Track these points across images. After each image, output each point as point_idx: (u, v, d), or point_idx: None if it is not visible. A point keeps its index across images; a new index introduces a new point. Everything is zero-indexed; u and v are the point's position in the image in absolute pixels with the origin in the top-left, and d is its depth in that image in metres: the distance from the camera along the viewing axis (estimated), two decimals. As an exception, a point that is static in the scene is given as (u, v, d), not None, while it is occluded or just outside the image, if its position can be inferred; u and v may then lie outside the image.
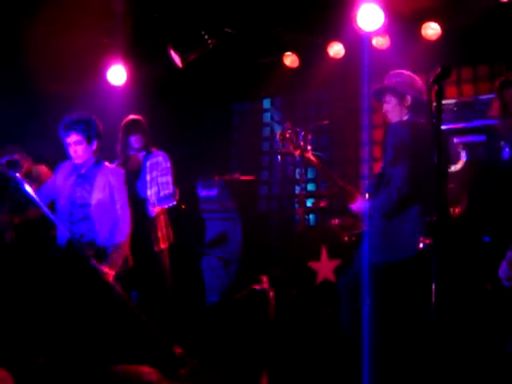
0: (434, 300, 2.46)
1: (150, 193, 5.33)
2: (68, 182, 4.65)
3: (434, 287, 2.46)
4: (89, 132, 4.55)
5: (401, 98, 4.30)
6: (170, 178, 5.51)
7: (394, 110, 4.33)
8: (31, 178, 5.68)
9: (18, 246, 5.54)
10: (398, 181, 3.92)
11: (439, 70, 2.86)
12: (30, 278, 5.37)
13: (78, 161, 4.59)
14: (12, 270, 5.40)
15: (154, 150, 5.58)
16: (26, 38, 5.65)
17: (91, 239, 4.51)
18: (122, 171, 4.81)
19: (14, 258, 5.49)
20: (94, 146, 4.61)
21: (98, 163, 4.66)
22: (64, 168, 4.74)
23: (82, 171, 4.64)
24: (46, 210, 4.48)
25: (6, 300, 5.23)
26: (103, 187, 4.57)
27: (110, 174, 4.63)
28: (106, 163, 4.74)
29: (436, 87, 2.84)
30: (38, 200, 4.46)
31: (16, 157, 4.80)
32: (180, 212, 5.27)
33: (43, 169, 5.73)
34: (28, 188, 4.44)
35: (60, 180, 4.71)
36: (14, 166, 4.68)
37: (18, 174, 4.51)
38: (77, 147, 4.54)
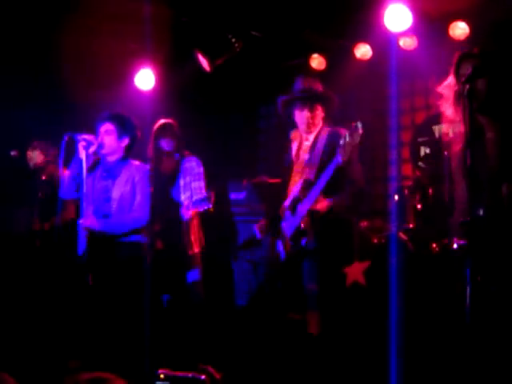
0: (468, 302, 2.44)
1: (184, 197, 5.34)
2: (94, 176, 4.68)
3: (468, 289, 2.44)
4: (122, 127, 4.61)
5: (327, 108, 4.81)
6: (202, 183, 5.53)
7: (318, 119, 4.72)
8: (54, 181, 5.72)
9: (46, 249, 5.57)
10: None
11: (471, 69, 2.83)
12: (57, 281, 5.40)
13: (104, 151, 4.61)
14: (41, 273, 5.44)
15: (187, 153, 5.60)
16: (56, 44, 5.73)
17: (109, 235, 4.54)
18: (147, 168, 4.77)
19: (43, 261, 5.52)
20: (124, 142, 4.65)
21: (124, 159, 4.68)
22: (91, 163, 4.73)
23: (108, 166, 4.66)
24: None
25: (35, 303, 5.28)
26: (125, 183, 4.59)
27: (135, 171, 4.65)
28: (133, 161, 4.76)
29: (468, 87, 2.82)
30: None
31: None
32: (210, 215, 5.27)
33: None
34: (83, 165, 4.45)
35: (87, 175, 4.67)
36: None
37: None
38: (106, 137, 4.59)
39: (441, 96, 3.03)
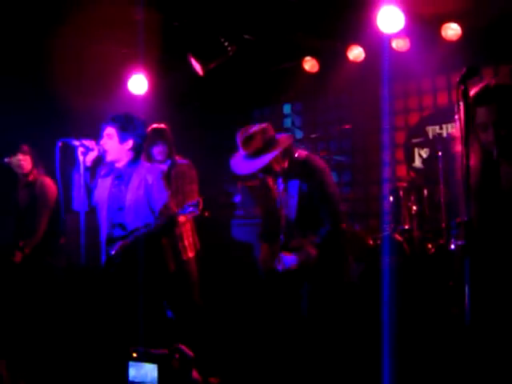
0: (467, 303, 2.43)
1: (176, 201, 5.28)
2: (105, 184, 4.43)
3: (467, 289, 2.44)
4: (124, 129, 4.32)
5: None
6: (195, 187, 5.49)
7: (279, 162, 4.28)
8: (35, 187, 5.68)
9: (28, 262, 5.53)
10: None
11: (465, 69, 2.82)
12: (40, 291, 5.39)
13: (108, 157, 4.36)
14: (23, 286, 5.41)
15: (178, 158, 5.57)
16: (48, 50, 5.71)
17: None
18: (159, 168, 4.59)
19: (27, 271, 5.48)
20: (129, 145, 4.34)
21: (133, 162, 4.40)
22: (103, 170, 4.51)
23: (119, 172, 4.40)
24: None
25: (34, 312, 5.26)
26: (137, 188, 4.32)
27: (147, 173, 4.36)
28: (144, 162, 4.51)
29: (462, 87, 2.81)
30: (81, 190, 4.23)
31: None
32: (205, 219, 5.25)
33: (48, 182, 5.68)
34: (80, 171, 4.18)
35: (99, 182, 4.48)
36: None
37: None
38: (107, 141, 4.32)
39: (455, 138, 3.02)
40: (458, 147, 2.86)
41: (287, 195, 4.31)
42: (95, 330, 4.20)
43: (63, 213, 4.78)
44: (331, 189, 4.30)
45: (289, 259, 4.24)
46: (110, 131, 4.34)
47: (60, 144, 4.12)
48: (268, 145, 4.21)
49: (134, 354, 3.56)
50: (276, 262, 4.31)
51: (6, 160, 5.71)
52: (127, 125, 4.33)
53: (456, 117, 3.00)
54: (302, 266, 4.21)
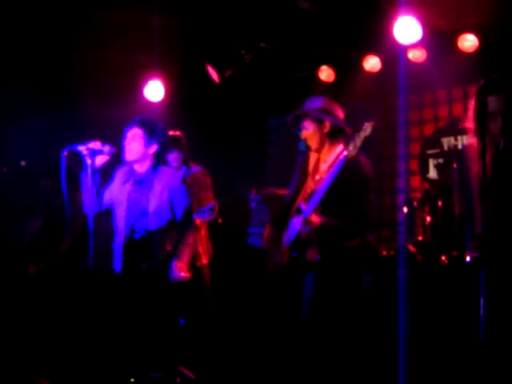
0: (482, 315, 2.41)
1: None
2: (125, 188, 4.42)
3: (482, 301, 2.42)
4: (151, 133, 4.34)
5: (319, 123, 4.32)
6: (210, 194, 5.50)
7: (313, 136, 4.33)
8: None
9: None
10: None
11: (484, 81, 2.83)
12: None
13: (129, 157, 4.36)
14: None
15: (193, 165, 5.59)
16: (66, 57, 5.76)
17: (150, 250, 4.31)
18: (179, 173, 4.66)
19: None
20: (153, 149, 4.37)
21: (155, 168, 4.41)
22: (121, 173, 4.51)
23: (139, 176, 4.41)
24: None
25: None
26: (161, 192, 4.34)
27: (169, 177, 4.41)
28: (164, 168, 4.52)
29: (480, 98, 2.81)
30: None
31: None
32: (218, 226, 5.26)
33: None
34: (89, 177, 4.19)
35: (116, 186, 4.47)
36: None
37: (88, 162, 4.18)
38: (133, 142, 4.34)
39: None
40: (470, 139, 2.85)
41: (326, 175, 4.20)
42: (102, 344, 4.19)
43: (69, 223, 4.77)
44: (371, 185, 4.27)
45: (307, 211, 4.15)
46: (137, 132, 4.36)
47: (65, 153, 4.10)
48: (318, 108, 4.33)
49: (132, 380, 3.53)
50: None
51: (22, 163, 5.74)
52: (154, 129, 4.37)
53: (469, 113, 3.02)
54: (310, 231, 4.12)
